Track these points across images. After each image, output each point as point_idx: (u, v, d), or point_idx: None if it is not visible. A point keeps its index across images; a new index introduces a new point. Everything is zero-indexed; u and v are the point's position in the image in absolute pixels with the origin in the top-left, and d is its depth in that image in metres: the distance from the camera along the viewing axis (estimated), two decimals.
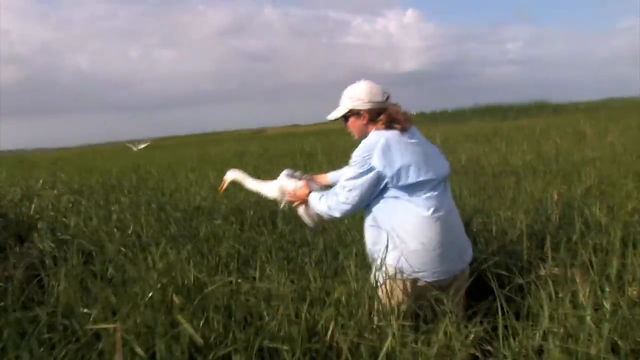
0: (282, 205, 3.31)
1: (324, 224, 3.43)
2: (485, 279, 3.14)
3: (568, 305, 2.16)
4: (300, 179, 3.24)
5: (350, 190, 2.55)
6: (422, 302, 2.48)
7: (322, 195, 2.78)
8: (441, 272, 2.51)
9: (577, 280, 2.37)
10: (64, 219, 4.81)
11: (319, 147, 13.28)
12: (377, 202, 2.58)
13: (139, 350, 1.85)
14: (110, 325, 1.87)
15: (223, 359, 2.05)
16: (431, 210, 2.46)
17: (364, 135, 2.68)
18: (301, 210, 3.12)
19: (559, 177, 6.33)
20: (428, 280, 2.50)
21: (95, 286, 2.91)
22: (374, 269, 2.56)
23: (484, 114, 30.45)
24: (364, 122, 2.67)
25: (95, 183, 8.73)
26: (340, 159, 9.54)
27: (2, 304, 2.78)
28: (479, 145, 11.12)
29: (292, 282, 2.92)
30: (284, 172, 3.32)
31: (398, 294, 2.49)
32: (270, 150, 15.26)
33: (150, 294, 2.31)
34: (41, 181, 8.52)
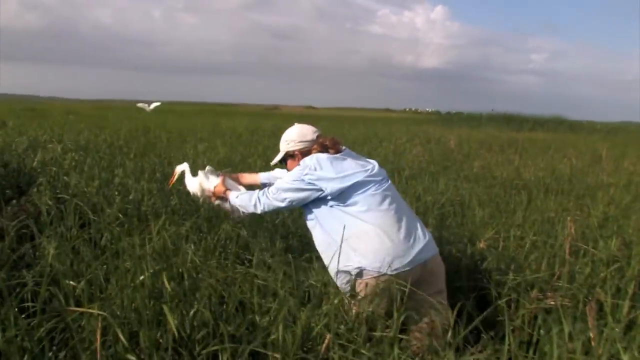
0: (200, 201, 3.68)
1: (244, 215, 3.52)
2: (490, 298, 3.05)
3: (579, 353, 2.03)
4: (218, 175, 3.58)
5: (284, 194, 2.85)
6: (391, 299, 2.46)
7: (249, 193, 3.10)
8: (400, 263, 2.55)
9: (590, 319, 2.25)
10: (65, 177, 4.68)
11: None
12: (321, 211, 2.81)
13: (122, 338, 1.74)
14: (94, 311, 1.76)
15: (211, 356, 1.94)
16: (373, 206, 2.68)
17: None
18: (217, 202, 3.48)
19: (572, 198, 6.19)
20: (390, 273, 2.52)
21: (87, 254, 2.82)
22: (335, 279, 2.70)
23: (499, 122, 30.16)
24: (298, 161, 2.96)
25: (102, 141, 8.63)
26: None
27: None
28: (492, 154, 10.95)
29: (290, 276, 2.80)
30: (207, 169, 3.63)
31: (367, 297, 2.53)
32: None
33: (142, 277, 2.18)
34: (47, 133, 8.42)
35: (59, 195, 4.13)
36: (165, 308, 1.87)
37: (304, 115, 36.17)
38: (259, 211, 3.03)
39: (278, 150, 3.15)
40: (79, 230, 3.37)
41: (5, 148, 5.60)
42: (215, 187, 3.46)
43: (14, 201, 4.20)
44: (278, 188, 2.89)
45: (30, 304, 2.19)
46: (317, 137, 3.02)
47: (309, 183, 2.76)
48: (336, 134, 13.64)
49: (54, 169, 5.16)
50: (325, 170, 2.76)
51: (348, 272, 2.59)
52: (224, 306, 2.33)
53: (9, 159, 5.62)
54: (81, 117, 17.48)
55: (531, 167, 8.98)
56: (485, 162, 9.24)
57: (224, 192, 3.37)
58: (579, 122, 34.73)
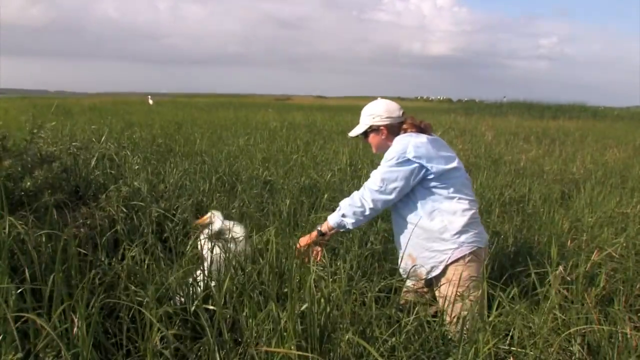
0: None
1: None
2: None
3: None
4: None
5: (387, 183, 2.75)
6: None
7: (347, 203, 2.89)
8: (484, 238, 2.83)
9: None
10: (135, 184, 4.56)
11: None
12: (420, 193, 2.79)
13: None
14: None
15: None
16: (466, 191, 2.81)
17: (383, 148, 2.94)
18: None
19: (627, 191, 6.04)
20: (481, 245, 2.78)
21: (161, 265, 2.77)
22: (425, 270, 2.81)
23: (521, 110, 29.83)
24: (383, 136, 2.96)
25: (139, 139, 8.53)
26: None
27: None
28: (530, 146, 10.77)
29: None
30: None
31: (470, 270, 2.71)
32: (316, 124, 14.93)
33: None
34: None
35: (133, 203, 4.01)
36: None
37: (317, 106, 35.96)
38: (370, 211, 2.84)
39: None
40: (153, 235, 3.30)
41: (61, 149, 5.46)
42: (300, 241, 3.04)
43: (83, 208, 4.10)
44: (381, 178, 2.77)
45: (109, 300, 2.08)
46: (403, 114, 2.98)
47: (414, 161, 2.70)
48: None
49: (112, 171, 5.07)
50: (430, 150, 2.74)
51: (447, 250, 2.73)
52: None
53: (64, 160, 5.52)
54: (107, 112, 17.39)
55: (577, 159, 8.79)
56: (531, 155, 9.05)
57: (314, 236, 3.00)
58: (595, 107, 34.42)
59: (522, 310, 2.42)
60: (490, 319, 2.32)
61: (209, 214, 3.45)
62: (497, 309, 2.40)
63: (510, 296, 2.55)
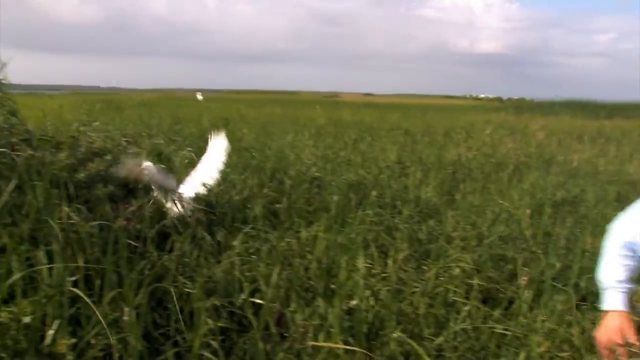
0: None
1: None
2: None
3: None
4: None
5: None
6: None
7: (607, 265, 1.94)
8: None
9: None
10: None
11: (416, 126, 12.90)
12: None
13: None
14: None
15: None
16: None
17: None
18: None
19: None
20: None
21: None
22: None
23: (574, 109, 28.85)
24: None
25: (188, 134, 8.64)
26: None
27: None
28: (584, 145, 10.44)
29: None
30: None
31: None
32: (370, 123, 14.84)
33: None
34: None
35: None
36: None
37: (365, 103, 35.73)
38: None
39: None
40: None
41: (112, 143, 5.57)
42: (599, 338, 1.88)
43: (133, 201, 4.16)
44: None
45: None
46: None
47: None
48: (416, 124, 13.32)
49: (162, 165, 5.12)
50: None
51: None
52: None
53: (116, 154, 5.62)
54: (156, 108, 17.73)
55: (634, 159, 8.45)
56: (584, 155, 8.76)
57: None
58: None
59: None
60: None
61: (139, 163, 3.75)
62: None
63: None
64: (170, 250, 2.98)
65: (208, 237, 3.21)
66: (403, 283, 2.80)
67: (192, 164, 5.22)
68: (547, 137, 11.32)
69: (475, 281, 2.96)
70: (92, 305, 1.92)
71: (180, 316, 2.24)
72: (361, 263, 2.55)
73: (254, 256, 2.96)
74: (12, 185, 2.84)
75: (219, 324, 2.14)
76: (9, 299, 1.98)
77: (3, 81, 4.10)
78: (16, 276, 1.99)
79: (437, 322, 2.49)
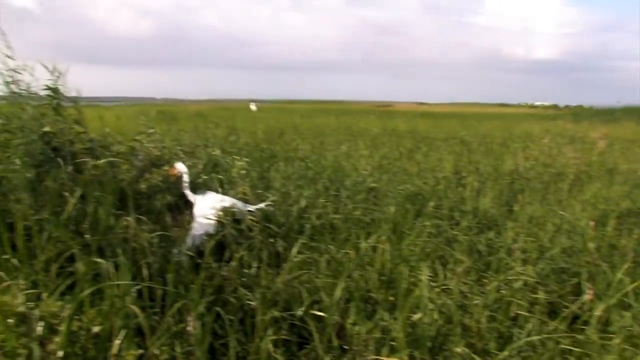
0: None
1: None
2: None
3: None
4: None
5: None
6: None
7: None
8: None
9: None
10: (240, 189, 4.66)
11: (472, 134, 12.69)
12: None
13: None
14: None
15: None
16: None
17: None
18: None
19: None
20: None
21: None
22: None
23: (637, 115, 27.75)
24: None
25: (243, 145, 8.75)
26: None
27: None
28: None
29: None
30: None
31: None
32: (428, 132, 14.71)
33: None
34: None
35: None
36: None
37: (419, 112, 35.37)
38: None
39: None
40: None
41: (169, 154, 5.69)
42: None
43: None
44: None
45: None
46: None
47: None
48: (472, 133, 13.08)
49: (220, 176, 5.19)
50: None
51: None
52: None
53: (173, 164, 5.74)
54: (211, 118, 18.02)
55: None
56: None
57: None
58: None
59: None
60: None
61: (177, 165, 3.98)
62: None
63: None
64: (228, 261, 3.00)
65: (268, 248, 3.22)
66: (464, 296, 2.75)
67: (247, 175, 5.30)
68: (609, 145, 10.92)
69: (540, 295, 2.87)
70: (156, 317, 1.94)
71: (240, 327, 2.25)
72: (425, 275, 2.50)
73: (312, 267, 2.95)
74: (77, 196, 2.93)
75: (281, 337, 2.13)
76: (77, 307, 2.02)
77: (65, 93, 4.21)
78: (87, 290, 2.04)
79: (501, 336, 2.42)
